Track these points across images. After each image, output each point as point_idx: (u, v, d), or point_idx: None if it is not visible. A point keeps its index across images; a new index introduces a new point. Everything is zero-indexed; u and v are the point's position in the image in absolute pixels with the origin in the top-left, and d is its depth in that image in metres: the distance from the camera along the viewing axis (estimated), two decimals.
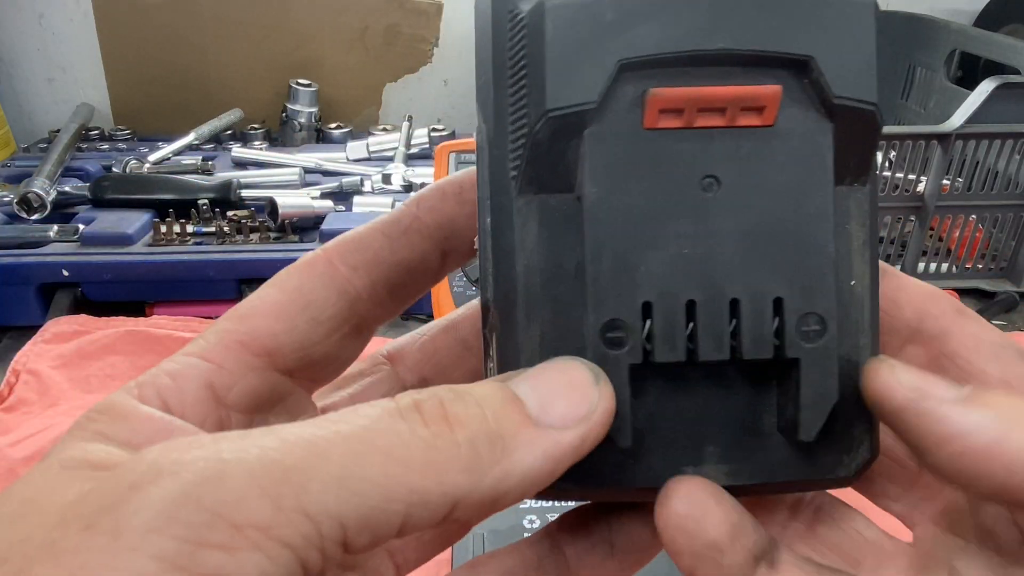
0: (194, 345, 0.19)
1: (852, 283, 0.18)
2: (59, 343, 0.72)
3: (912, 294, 0.20)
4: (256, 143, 1.15)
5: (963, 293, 0.81)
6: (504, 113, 0.17)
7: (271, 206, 0.83)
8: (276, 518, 0.13)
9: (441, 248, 0.21)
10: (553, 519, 0.22)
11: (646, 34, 0.16)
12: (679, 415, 0.18)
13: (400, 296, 0.21)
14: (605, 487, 0.18)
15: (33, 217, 0.85)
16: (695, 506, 0.17)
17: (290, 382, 0.20)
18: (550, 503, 0.20)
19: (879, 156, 0.79)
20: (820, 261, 0.17)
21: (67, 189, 0.89)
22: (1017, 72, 0.89)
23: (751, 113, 0.17)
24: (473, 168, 0.19)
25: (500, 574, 0.21)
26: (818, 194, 0.17)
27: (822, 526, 0.21)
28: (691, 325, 0.17)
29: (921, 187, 0.80)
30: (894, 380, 0.16)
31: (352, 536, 0.14)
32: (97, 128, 1.16)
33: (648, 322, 0.17)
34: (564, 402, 0.16)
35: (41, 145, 1.12)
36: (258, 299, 0.20)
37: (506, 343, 0.18)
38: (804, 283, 0.17)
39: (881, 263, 0.20)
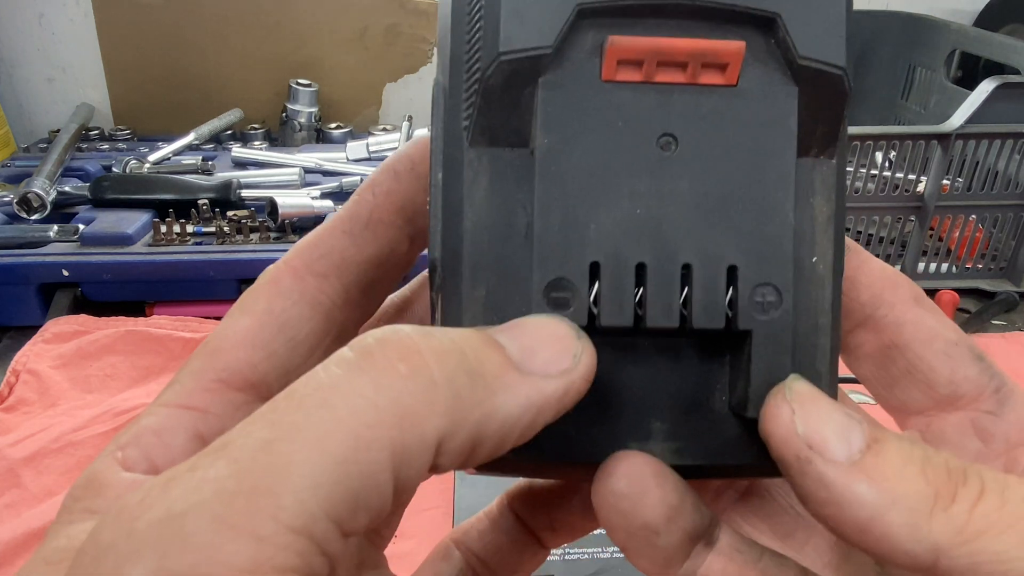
0: (171, 392, 0.17)
1: (814, 259, 0.17)
2: (59, 343, 0.72)
3: (872, 276, 0.19)
4: (256, 143, 1.15)
5: (963, 293, 0.81)
6: (460, 59, 0.16)
7: (271, 206, 0.83)
8: (261, 552, 0.12)
9: (407, 233, 0.20)
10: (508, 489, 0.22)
11: None
12: (626, 387, 0.17)
13: (374, 293, 0.20)
14: (546, 461, 0.17)
15: (33, 217, 0.85)
16: (633, 486, 0.16)
17: None
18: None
19: (878, 155, 0.79)
20: (778, 230, 0.16)
21: (67, 189, 0.89)
22: (1017, 72, 0.89)
23: (713, 70, 0.16)
24: (422, 138, 0.19)
25: (482, 546, 0.21)
26: (780, 160, 0.16)
27: (756, 497, 0.21)
28: (640, 289, 0.16)
29: (921, 187, 0.80)
30: (791, 431, 0.15)
31: (348, 523, 0.13)
32: (97, 128, 1.16)
33: (596, 283, 0.16)
34: (547, 351, 0.15)
35: (41, 145, 1.12)
36: (228, 329, 0.18)
37: (450, 303, 0.17)
38: (760, 252, 0.16)
39: (846, 239, 0.19)
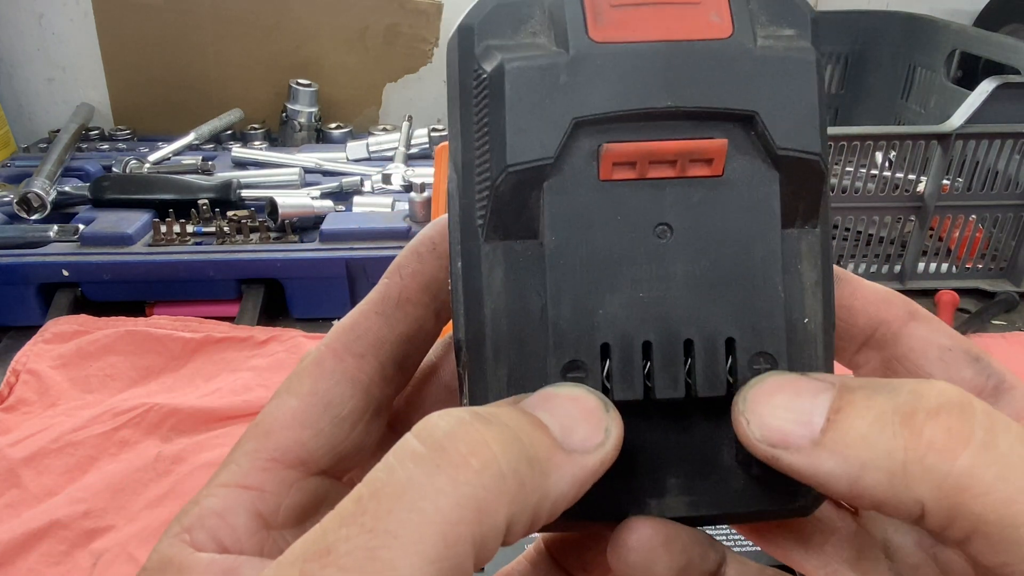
0: (227, 473, 0.19)
1: (805, 320, 0.19)
2: (59, 343, 0.72)
3: (866, 300, 0.21)
4: (256, 143, 1.15)
5: (963, 293, 0.81)
6: (471, 165, 0.18)
7: (271, 206, 0.83)
8: None
9: (433, 309, 0.21)
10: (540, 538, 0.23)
11: (598, 93, 0.17)
12: (642, 449, 0.18)
13: (408, 366, 0.21)
14: (575, 519, 0.18)
15: (33, 217, 0.85)
16: (644, 551, 0.18)
17: (327, 481, 0.20)
18: None
19: (878, 155, 0.79)
20: (769, 302, 0.18)
21: (67, 189, 0.89)
22: (1017, 72, 0.88)
23: (701, 164, 0.18)
24: (440, 220, 0.21)
25: None
26: (766, 239, 0.18)
27: None
28: (648, 364, 0.18)
29: (921, 187, 0.80)
30: (751, 440, 0.17)
31: None
32: (97, 128, 1.17)
33: (607, 362, 0.18)
34: (583, 428, 0.16)
35: (41, 145, 1.12)
36: (277, 410, 0.19)
37: (476, 381, 0.18)
38: (754, 323, 0.18)
39: (837, 269, 0.20)
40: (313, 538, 0.14)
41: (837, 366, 0.21)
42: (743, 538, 0.22)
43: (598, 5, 0.17)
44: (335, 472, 0.20)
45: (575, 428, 0.16)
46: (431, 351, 0.23)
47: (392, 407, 0.22)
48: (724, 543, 0.21)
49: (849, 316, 0.21)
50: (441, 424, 0.15)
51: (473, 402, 0.19)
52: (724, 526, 0.23)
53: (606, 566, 0.21)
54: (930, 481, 0.15)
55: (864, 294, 0.21)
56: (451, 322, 0.20)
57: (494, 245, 0.18)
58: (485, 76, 0.17)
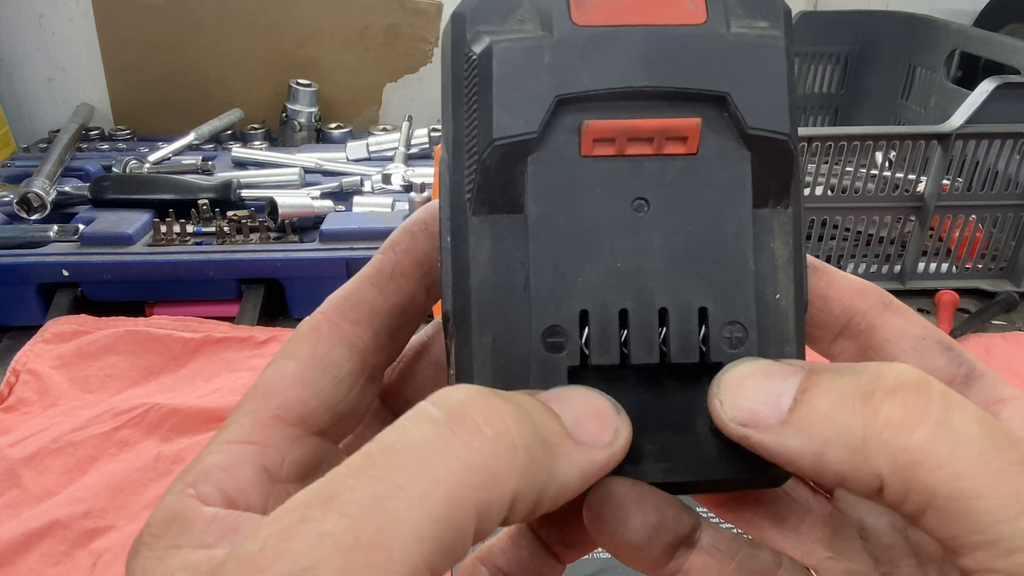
0: (230, 431, 0.19)
1: (777, 296, 0.19)
2: (59, 343, 0.72)
3: (841, 290, 0.21)
4: (256, 143, 1.15)
5: (963, 293, 0.81)
6: (461, 143, 0.19)
7: (271, 206, 0.83)
8: None
9: (424, 284, 0.22)
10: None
11: (580, 73, 0.18)
12: None
13: (399, 337, 0.22)
14: None
15: (33, 217, 0.85)
16: (616, 511, 0.19)
17: (325, 442, 0.21)
18: None
19: (878, 155, 0.79)
20: (741, 274, 0.19)
21: (67, 189, 0.89)
22: (1017, 72, 0.89)
23: (676, 142, 0.18)
24: (433, 203, 0.22)
25: (504, 563, 0.22)
26: (738, 214, 0.19)
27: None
28: (624, 332, 0.19)
29: (921, 187, 0.80)
30: (723, 420, 0.18)
31: (440, 572, 0.14)
32: (97, 128, 1.17)
33: (585, 328, 0.18)
34: (594, 424, 0.17)
35: (41, 145, 1.12)
36: (276, 373, 0.20)
37: (462, 350, 0.19)
38: (726, 294, 0.19)
39: (813, 259, 0.21)
40: (318, 486, 0.14)
41: (815, 355, 0.21)
42: (723, 522, 0.22)
43: None
44: (332, 434, 0.21)
45: (586, 423, 0.17)
46: (423, 331, 0.24)
47: (384, 379, 0.23)
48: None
49: (825, 306, 0.21)
50: (458, 394, 0.16)
51: (459, 369, 0.19)
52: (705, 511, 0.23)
53: (587, 540, 0.22)
54: (887, 455, 0.16)
55: (839, 284, 0.21)
56: (440, 301, 0.21)
57: (481, 219, 0.19)
58: (475, 57, 0.18)
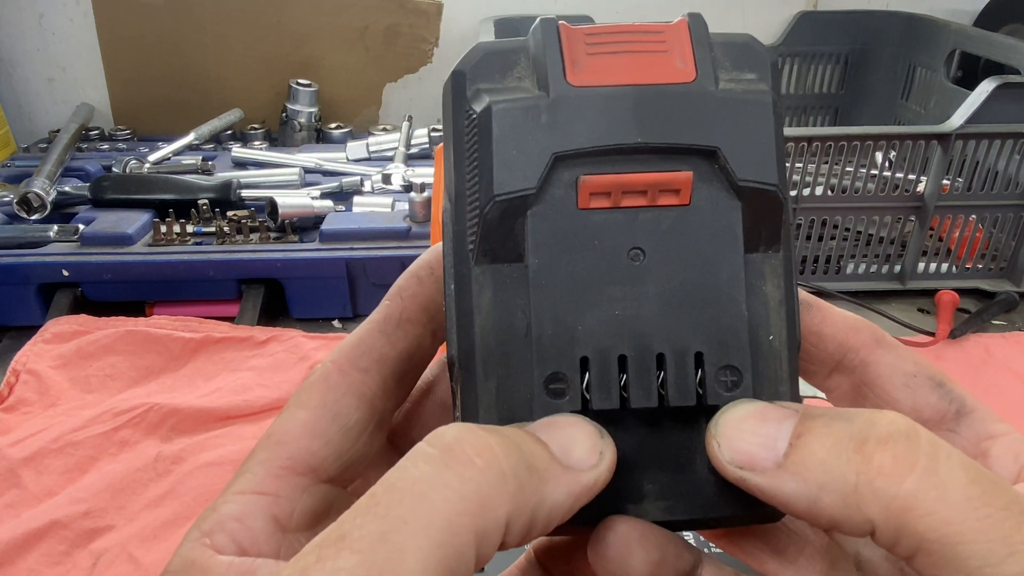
0: (243, 480, 0.20)
1: (771, 337, 0.20)
2: (59, 343, 0.72)
3: (836, 327, 0.22)
4: (256, 143, 1.15)
5: (963, 293, 0.81)
6: (463, 195, 0.19)
7: (271, 206, 0.83)
8: None
9: (431, 329, 0.23)
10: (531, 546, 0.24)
11: (576, 131, 0.19)
12: (620, 458, 0.19)
13: (407, 382, 0.23)
14: (561, 524, 0.20)
15: (33, 217, 0.85)
16: (619, 550, 0.19)
17: (334, 488, 0.21)
18: None
19: (878, 155, 0.79)
20: (735, 319, 0.19)
21: (67, 189, 0.89)
22: (1017, 72, 0.89)
23: (669, 194, 0.19)
24: (437, 246, 0.22)
25: None
26: (730, 260, 0.19)
27: None
28: (623, 377, 0.19)
29: (921, 187, 0.80)
30: (721, 463, 0.18)
31: None
32: (97, 128, 1.17)
33: (586, 374, 0.19)
34: (579, 449, 0.18)
35: (41, 145, 1.12)
36: (287, 423, 0.21)
37: (468, 394, 0.20)
38: (720, 338, 0.19)
39: (808, 296, 0.22)
40: (331, 529, 0.15)
41: (812, 390, 0.22)
42: (725, 553, 0.23)
43: (575, 53, 0.19)
44: (341, 480, 0.21)
45: (572, 449, 0.18)
46: (427, 370, 0.24)
47: (392, 421, 0.23)
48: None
49: (819, 342, 0.22)
50: (450, 432, 0.17)
51: (465, 413, 0.20)
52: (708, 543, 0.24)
53: (589, 573, 0.22)
54: (879, 503, 0.16)
55: (833, 320, 0.22)
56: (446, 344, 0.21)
57: (483, 268, 0.20)
58: (475, 116, 0.19)
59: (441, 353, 0.23)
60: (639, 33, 0.20)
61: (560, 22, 0.20)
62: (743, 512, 0.20)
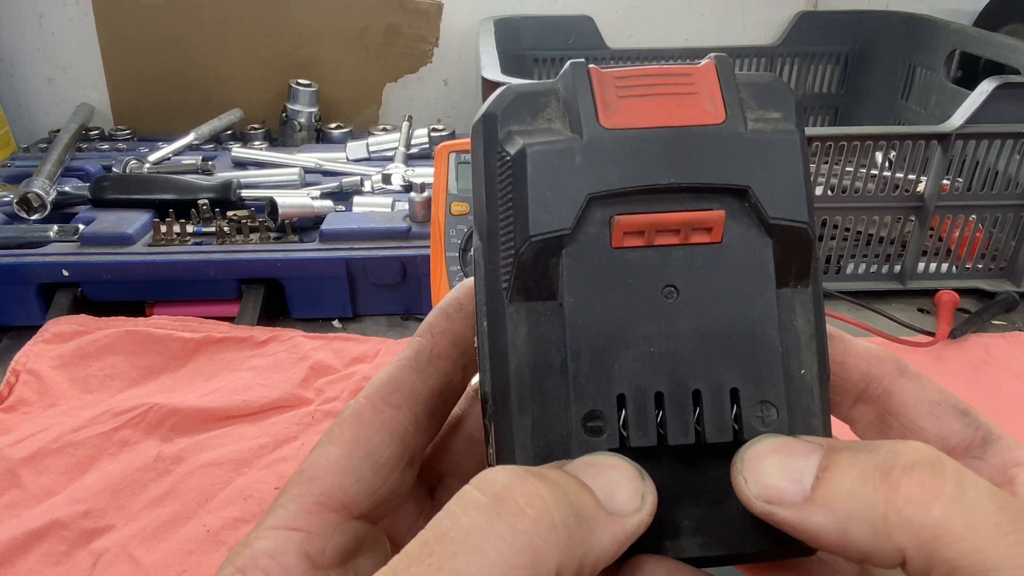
0: (275, 516, 0.20)
1: (802, 371, 0.20)
2: (59, 343, 0.72)
3: (858, 357, 0.22)
4: (256, 143, 1.15)
5: (963, 293, 0.81)
6: (496, 235, 0.20)
7: (271, 206, 0.83)
8: None
9: (461, 364, 0.23)
10: None
11: (610, 173, 0.19)
12: (658, 493, 0.19)
13: (437, 418, 0.23)
14: None
15: (33, 217, 0.85)
16: None
17: (365, 524, 0.21)
18: None
19: (878, 155, 0.79)
20: (769, 354, 0.20)
21: (67, 189, 0.89)
22: (1017, 72, 0.89)
23: (702, 232, 0.20)
24: (466, 282, 0.23)
25: None
26: (763, 297, 0.20)
27: None
28: (660, 413, 0.19)
29: (921, 187, 0.80)
30: (748, 497, 0.18)
31: None
32: (97, 128, 1.17)
33: (623, 412, 0.19)
34: (623, 493, 0.18)
35: (41, 145, 1.12)
36: (321, 459, 0.21)
37: (503, 431, 0.20)
38: (755, 374, 0.19)
39: (830, 328, 0.22)
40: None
41: (835, 421, 0.22)
42: None
43: (607, 96, 0.20)
44: (372, 517, 0.22)
45: (616, 493, 0.18)
46: (456, 405, 0.24)
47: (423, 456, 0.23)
48: None
49: (843, 372, 0.22)
50: (499, 478, 0.17)
51: (500, 449, 0.20)
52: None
53: None
54: (908, 531, 0.16)
55: (856, 351, 0.22)
56: (475, 376, 0.21)
57: (518, 306, 0.20)
58: (509, 158, 0.20)
59: (469, 388, 0.24)
60: (668, 76, 0.20)
61: (591, 65, 0.20)
62: (777, 547, 0.20)
